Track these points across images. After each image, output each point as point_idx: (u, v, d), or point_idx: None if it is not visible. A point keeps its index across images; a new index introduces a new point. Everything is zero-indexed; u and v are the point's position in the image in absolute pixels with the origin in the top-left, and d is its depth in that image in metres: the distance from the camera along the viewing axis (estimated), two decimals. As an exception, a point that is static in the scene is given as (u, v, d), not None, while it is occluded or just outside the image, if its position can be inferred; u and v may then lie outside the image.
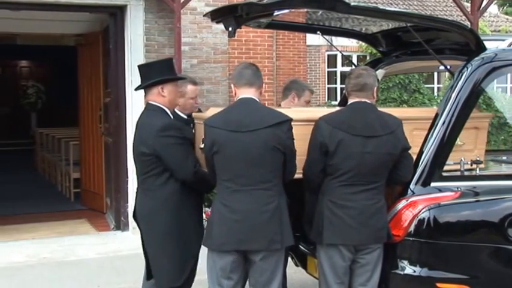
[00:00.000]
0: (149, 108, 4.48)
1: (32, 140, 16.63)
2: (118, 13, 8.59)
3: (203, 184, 4.45)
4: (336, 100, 16.63)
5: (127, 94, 8.47)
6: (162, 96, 4.45)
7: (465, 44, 4.78)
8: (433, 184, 4.35)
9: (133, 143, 4.49)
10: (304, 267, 5.23)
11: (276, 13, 4.50)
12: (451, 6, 14.00)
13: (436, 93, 16.92)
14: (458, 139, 4.47)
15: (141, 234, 4.61)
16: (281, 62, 14.13)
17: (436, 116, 4.47)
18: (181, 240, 4.43)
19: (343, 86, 16.97)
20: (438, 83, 17.62)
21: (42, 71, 21.29)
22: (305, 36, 14.78)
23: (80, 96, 10.87)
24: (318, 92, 17.16)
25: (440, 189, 4.36)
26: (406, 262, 4.24)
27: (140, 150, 4.36)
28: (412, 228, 4.21)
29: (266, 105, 10.25)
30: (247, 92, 4.17)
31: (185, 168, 4.34)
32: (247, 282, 4.30)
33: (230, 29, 4.58)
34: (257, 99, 4.18)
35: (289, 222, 4.16)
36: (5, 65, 20.46)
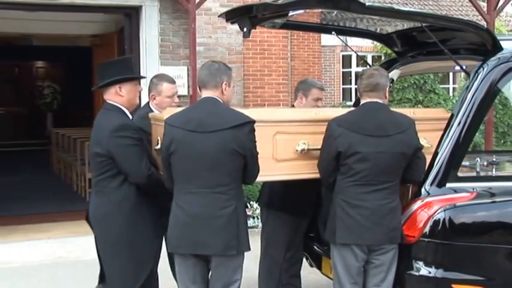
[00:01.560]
0: (106, 108, 4.35)
1: (47, 140, 16.71)
2: (133, 14, 8.62)
3: (157, 188, 4.26)
4: (350, 100, 16.60)
5: (141, 94, 8.47)
6: (119, 95, 4.32)
7: (481, 44, 4.74)
8: (448, 185, 4.32)
9: (90, 144, 4.37)
10: (319, 268, 5.23)
11: (290, 13, 4.49)
12: (466, 6, 13.92)
13: (451, 94, 16.83)
14: (425, 141, 4.43)
15: (95, 238, 4.46)
16: (296, 62, 14.11)
17: (452, 117, 4.45)
18: (135, 245, 4.28)
19: (358, 86, 16.92)
20: (453, 83, 17.52)
21: (57, 71, 21.38)
22: (320, 37, 14.75)
23: (95, 97, 10.91)
24: (333, 93, 17.14)
25: (455, 190, 4.33)
26: (421, 263, 4.21)
27: (94, 151, 4.23)
28: (427, 229, 4.18)
29: (281, 106, 10.27)
30: (206, 92, 4.05)
31: (138, 171, 4.20)
32: None
33: (245, 29, 4.58)
34: (219, 99, 4.03)
35: (246, 228, 4.06)
36: (21, 65, 20.57)
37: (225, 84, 4.04)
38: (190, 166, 3.90)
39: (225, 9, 4.81)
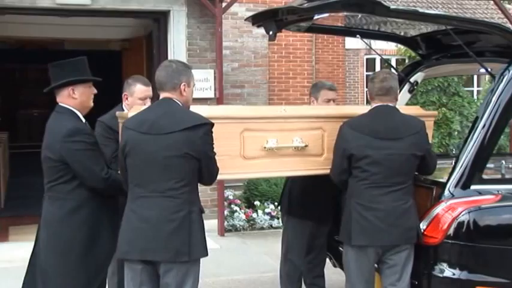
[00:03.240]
0: (58, 111, 4.08)
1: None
2: (161, 18, 8.65)
3: (117, 191, 4.08)
4: (374, 103, 16.50)
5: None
6: (72, 98, 4.05)
7: (507, 46, 4.69)
8: (473, 187, 4.28)
9: (42, 147, 4.06)
10: (342, 268, 5.18)
11: (315, 17, 4.46)
12: (492, 8, 13.79)
13: (475, 97, 16.65)
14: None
15: (35, 244, 4.17)
16: (320, 65, 14.04)
17: (476, 119, 4.41)
18: (90, 253, 4.01)
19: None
20: (478, 86, 17.33)
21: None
22: (344, 40, 14.68)
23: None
24: (357, 96, 17.06)
25: (480, 192, 4.29)
26: (445, 265, 4.16)
27: (46, 155, 3.99)
28: (451, 231, 4.14)
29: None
30: (164, 94, 3.87)
31: (94, 175, 3.97)
32: None
33: (271, 32, 4.57)
34: (176, 101, 3.84)
35: (200, 233, 3.79)
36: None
37: (184, 85, 3.85)
38: (142, 169, 3.72)
39: (250, 14, 4.80)
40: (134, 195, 3.78)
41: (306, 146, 4.33)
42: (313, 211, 5.05)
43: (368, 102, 17.47)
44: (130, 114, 3.94)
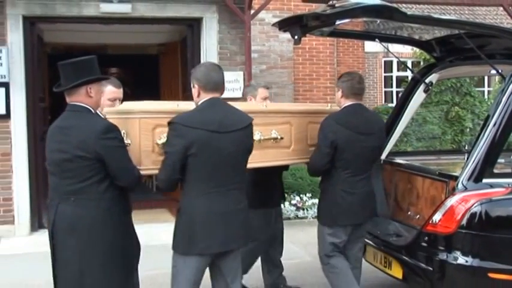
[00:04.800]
0: (75, 110, 3.61)
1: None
2: (195, 25, 8.67)
3: (137, 189, 3.87)
4: (392, 102, 16.39)
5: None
6: (89, 96, 3.64)
7: None
8: (484, 180, 4.26)
9: (57, 148, 3.55)
10: (363, 255, 5.16)
11: (337, 22, 4.43)
12: (501, 14, 13.61)
13: (486, 96, 16.47)
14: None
15: (55, 253, 3.59)
16: (341, 67, 13.98)
17: (488, 118, 4.40)
18: (126, 253, 3.71)
19: (399, 89, 16.76)
20: (488, 86, 17.13)
21: (128, 77, 21.73)
22: (363, 44, 14.63)
23: (161, 97, 11.02)
24: (375, 95, 16.96)
25: (491, 185, 4.26)
26: (458, 253, 4.14)
27: (75, 155, 3.46)
28: (464, 221, 4.12)
29: (328, 107, 10.17)
30: (214, 94, 3.77)
31: (131, 173, 3.62)
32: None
33: (296, 37, 4.56)
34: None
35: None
36: (98, 71, 20.93)
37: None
38: (213, 166, 3.63)
39: (277, 20, 4.78)
40: (200, 191, 3.65)
41: (282, 138, 4.35)
42: (268, 199, 5.14)
43: (386, 101, 17.39)
44: (125, 108, 3.85)
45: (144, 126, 3.71)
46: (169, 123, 3.64)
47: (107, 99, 4.24)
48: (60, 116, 3.69)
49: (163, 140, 3.73)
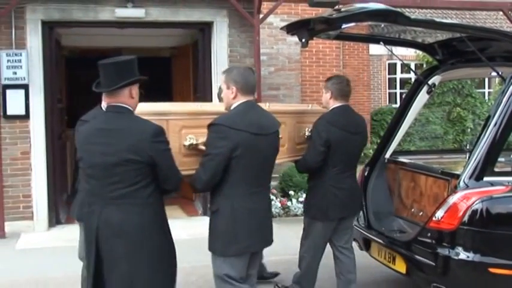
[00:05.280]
0: (118, 111, 3.36)
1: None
2: (206, 29, 8.68)
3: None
4: (396, 103, 16.35)
5: (213, 98, 8.54)
6: (131, 97, 3.39)
7: None
8: (485, 179, 4.24)
9: (102, 151, 3.26)
10: (368, 251, 5.16)
11: (343, 26, 4.43)
12: (501, 18, 13.54)
13: (486, 98, 16.41)
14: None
15: (108, 257, 3.31)
16: (347, 69, 13.95)
17: (488, 118, 4.38)
18: (169, 258, 3.50)
19: (403, 91, 16.72)
20: (489, 88, 17.08)
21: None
22: (368, 47, 14.58)
23: (174, 100, 11.03)
24: (380, 96, 16.96)
25: (492, 183, 4.24)
26: (460, 248, 4.12)
27: (127, 158, 3.21)
28: (466, 218, 4.10)
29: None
30: (249, 97, 3.74)
31: (178, 176, 3.46)
32: None
33: (303, 40, 4.57)
34: None
35: None
36: (112, 74, 20.91)
37: None
38: (255, 167, 3.62)
39: (285, 24, 4.78)
40: (241, 192, 3.60)
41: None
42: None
43: (390, 102, 17.35)
44: (163, 108, 3.72)
45: (172, 127, 3.61)
46: (211, 125, 3.56)
47: None
48: (97, 117, 3.50)
49: (189, 141, 3.67)
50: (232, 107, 3.71)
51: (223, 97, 3.81)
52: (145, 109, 3.49)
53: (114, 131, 3.28)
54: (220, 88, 5.35)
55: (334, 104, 4.67)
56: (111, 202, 3.25)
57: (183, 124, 3.66)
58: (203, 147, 3.70)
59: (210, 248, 3.72)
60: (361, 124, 4.80)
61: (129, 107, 3.36)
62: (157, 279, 3.35)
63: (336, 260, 4.88)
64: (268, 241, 3.83)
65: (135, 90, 3.39)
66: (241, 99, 3.69)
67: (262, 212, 3.71)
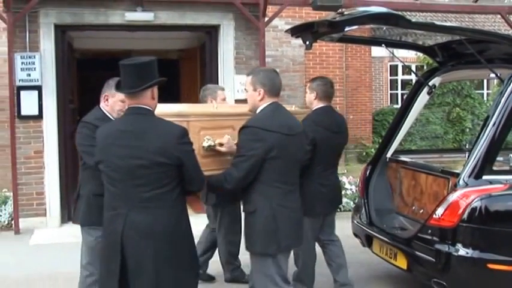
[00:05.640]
0: (141, 113, 3.19)
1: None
2: (213, 31, 8.68)
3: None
4: (397, 104, 16.32)
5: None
6: (153, 99, 3.26)
7: None
8: (484, 177, 4.24)
9: (127, 154, 3.11)
10: (370, 247, 5.16)
11: (346, 29, 4.43)
12: (499, 21, 13.50)
13: (485, 98, 16.37)
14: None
15: (134, 261, 3.14)
16: (349, 71, 13.94)
17: (487, 118, 4.38)
18: (193, 260, 3.39)
19: (404, 92, 16.67)
20: (487, 89, 17.04)
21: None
22: (370, 49, 14.57)
23: (181, 100, 11.04)
24: (382, 97, 16.92)
25: (491, 182, 4.24)
26: (460, 245, 4.12)
27: (156, 161, 3.07)
28: (465, 215, 4.10)
29: (337, 108, 10.14)
30: (276, 99, 3.71)
31: (201, 177, 3.35)
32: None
33: (307, 42, 4.56)
34: None
35: None
36: (122, 75, 20.93)
37: None
38: (286, 167, 3.59)
39: (289, 27, 4.78)
40: (277, 191, 3.56)
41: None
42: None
43: (391, 103, 17.31)
44: (188, 109, 3.68)
45: (192, 129, 3.50)
46: (245, 127, 3.52)
47: (119, 100, 3.97)
48: (119, 119, 3.37)
49: (207, 142, 3.63)
50: (259, 109, 3.67)
51: (249, 98, 3.74)
52: (165, 110, 3.39)
53: (138, 133, 3.13)
54: (203, 91, 5.34)
55: (318, 104, 4.69)
56: (137, 205, 3.11)
57: (201, 125, 3.61)
58: (221, 149, 3.69)
59: (251, 249, 3.63)
60: (343, 124, 4.85)
61: (151, 108, 3.23)
62: (184, 281, 3.25)
63: (325, 251, 4.94)
64: (302, 239, 3.80)
65: (156, 91, 3.27)
66: (268, 101, 3.66)
67: (297, 210, 3.69)
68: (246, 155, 3.49)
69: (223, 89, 5.39)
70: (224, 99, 5.25)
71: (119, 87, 3.28)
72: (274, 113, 3.63)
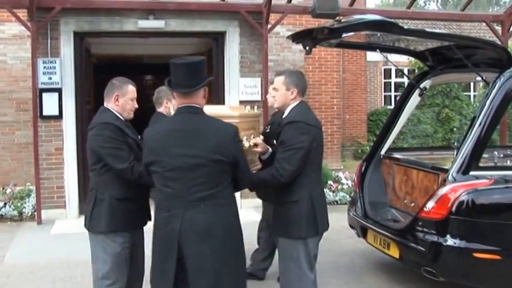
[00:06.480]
0: (194, 112, 3.04)
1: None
2: (219, 37, 8.69)
3: None
4: (390, 105, 16.30)
5: (226, 100, 8.56)
6: (204, 98, 3.11)
7: (498, 59, 4.67)
8: (471, 173, 4.25)
9: (184, 153, 2.93)
10: (365, 238, 5.16)
11: (343, 35, 4.43)
12: (484, 29, 13.47)
13: (472, 100, 16.34)
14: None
15: (193, 261, 2.94)
16: (346, 74, 13.94)
17: (474, 118, 4.38)
18: (244, 254, 3.19)
19: (397, 93, 16.65)
20: (474, 91, 16.99)
21: (161, 83, 21.69)
22: (365, 54, 14.55)
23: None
24: (376, 99, 16.89)
25: (477, 177, 4.24)
26: (448, 235, 4.13)
27: (215, 159, 2.93)
28: (453, 208, 4.11)
29: (334, 108, 10.04)
30: (302, 98, 3.70)
31: (251, 174, 3.30)
32: None
33: (307, 48, 4.55)
34: None
35: None
36: (134, 78, 20.79)
37: None
38: (320, 158, 3.62)
39: (290, 33, 4.77)
40: (314, 181, 3.57)
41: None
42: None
43: (385, 104, 17.26)
44: (237, 111, 3.68)
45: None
46: (291, 122, 3.49)
47: (129, 99, 3.71)
48: (170, 119, 3.15)
49: (247, 143, 3.59)
50: (290, 107, 3.63)
51: (280, 97, 3.67)
52: (208, 111, 3.24)
53: (194, 132, 2.97)
54: (157, 92, 4.83)
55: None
56: (193, 204, 2.93)
57: (241, 127, 3.46)
58: (257, 149, 3.75)
59: (296, 235, 3.51)
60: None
61: (202, 107, 3.08)
62: (240, 277, 3.09)
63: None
64: (329, 224, 3.72)
65: (206, 90, 3.13)
66: (298, 100, 3.66)
67: (325, 197, 3.72)
68: (295, 148, 3.43)
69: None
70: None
71: (172, 86, 3.06)
72: (308, 110, 3.66)
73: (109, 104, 3.68)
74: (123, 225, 3.48)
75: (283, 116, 3.67)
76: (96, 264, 3.68)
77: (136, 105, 3.78)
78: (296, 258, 3.53)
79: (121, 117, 3.66)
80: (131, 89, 3.71)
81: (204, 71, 3.09)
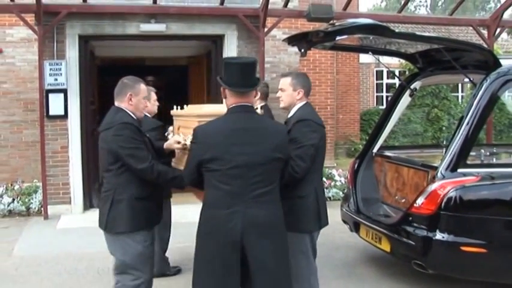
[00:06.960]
0: (251, 111, 3.02)
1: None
2: (218, 40, 8.68)
3: None
4: (382, 105, 16.32)
5: (223, 100, 8.54)
6: (254, 97, 3.13)
7: (484, 61, 4.67)
8: (459, 170, 4.26)
9: (247, 151, 2.89)
10: (357, 232, 5.17)
11: (337, 38, 4.44)
12: (471, 33, 13.50)
13: (460, 100, 16.37)
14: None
15: (256, 257, 2.90)
16: (340, 75, 13.95)
17: (462, 118, 4.40)
18: None
19: (389, 94, 16.65)
20: (462, 92, 17.02)
21: (162, 84, 21.69)
22: (358, 56, 14.56)
23: (190, 102, 11.06)
24: (368, 99, 16.89)
25: (465, 174, 4.26)
26: (437, 230, 4.15)
27: (275, 157, 2.94)
28: (442, 204, 4.13)
29: (328, 108, 10.02)
30: (308, 99, 3.73)
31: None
32: None
33: (302, 50, 4.57)
34: None
35: None
36: (137, 79, 20.86)
37: None
38: (323, 155, 3.63)
39: (286, 36, 4.78)
40: (318, 178, 3.64)
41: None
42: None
43: (377, 104, 17.26)
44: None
45: None
46: (301, 121, 3.48)
47: (142, 98, 3.54)
48: (225, 117, 3.00)
49: None
50: (296, 107, 3.64)
51: (286, 97, 3.66)
52: (209, 110, 3.22)
53: (254, 130, 2.93)
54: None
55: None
56: (252, 201, 2.88)
57: None
58: None
59: (305, 229, 3.52)
60: None
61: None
62: (289, 269, 3.07)
63: None
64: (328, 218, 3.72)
65: (257, 91, 3.11)
66: (304, 100, 3.67)
67: (325, 194, 3.71)
68: (308, 145, 3.42)
69: (155, 90, 5.00)
70: (156, 100, 4.97)
71: (229, 85, 2.98)
72: (314, 111, 3.69)
73: (122, 103, 3.49)
74: (144, 224, 3.41)
75: (289, 116, 3.67)
76: (119, 262, 3.50)
77: (157, 103, 3.73)
78: (305, 251, 3.57)
79: (134, 116, 3.49)
80: (143, 88, 3.57)
81: (255, 72, 3.05)
